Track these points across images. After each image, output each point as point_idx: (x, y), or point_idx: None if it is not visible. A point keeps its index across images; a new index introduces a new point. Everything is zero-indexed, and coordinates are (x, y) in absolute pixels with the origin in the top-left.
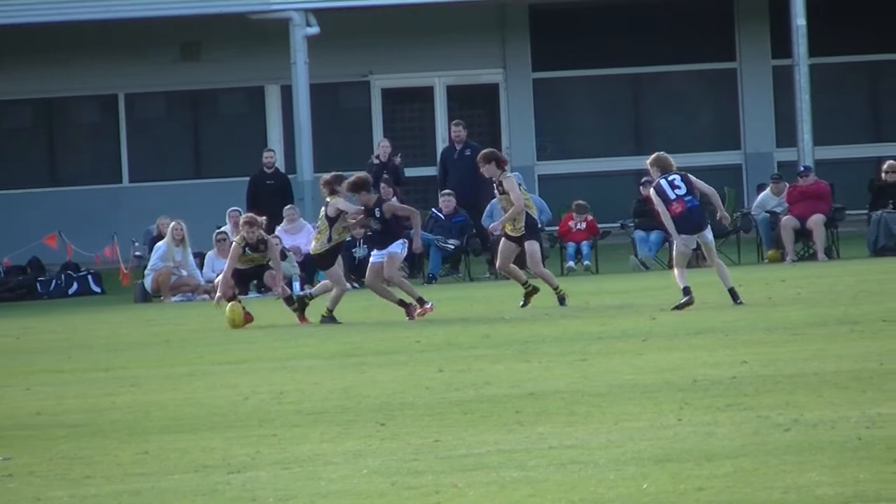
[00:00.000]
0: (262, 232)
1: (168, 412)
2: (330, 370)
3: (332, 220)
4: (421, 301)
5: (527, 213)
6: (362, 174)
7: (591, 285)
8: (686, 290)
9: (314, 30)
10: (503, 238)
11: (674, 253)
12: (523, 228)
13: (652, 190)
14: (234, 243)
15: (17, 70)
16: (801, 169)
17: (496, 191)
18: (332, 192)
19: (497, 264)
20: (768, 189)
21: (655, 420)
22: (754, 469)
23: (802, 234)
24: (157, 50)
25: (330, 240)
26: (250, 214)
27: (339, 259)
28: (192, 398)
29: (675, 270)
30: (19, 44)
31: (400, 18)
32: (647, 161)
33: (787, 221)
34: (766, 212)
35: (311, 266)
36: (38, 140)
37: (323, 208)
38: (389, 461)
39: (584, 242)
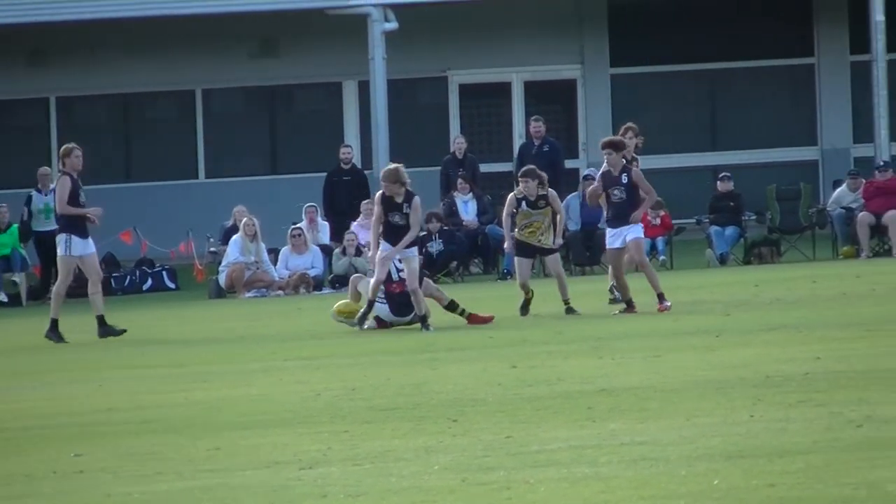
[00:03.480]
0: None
1: (240, 408)
2: (402, 366)
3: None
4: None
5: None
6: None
7: (666, 281)
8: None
9: (392, 25)
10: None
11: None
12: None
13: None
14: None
15: (94, 66)
16: (881, 164)
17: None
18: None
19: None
20: (845, 185)
21: (728, 416)
22: (826, 465)
23: (878, 231)
24: (234, 45)
25: None
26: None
27: None
28: (264, 394)
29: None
30: (96, 40)
31: (478, 14)
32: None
33: (863, 217)
34: (842, 208)
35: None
36: (115, 135)
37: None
38: (460, 457)
39: (660, 238)
